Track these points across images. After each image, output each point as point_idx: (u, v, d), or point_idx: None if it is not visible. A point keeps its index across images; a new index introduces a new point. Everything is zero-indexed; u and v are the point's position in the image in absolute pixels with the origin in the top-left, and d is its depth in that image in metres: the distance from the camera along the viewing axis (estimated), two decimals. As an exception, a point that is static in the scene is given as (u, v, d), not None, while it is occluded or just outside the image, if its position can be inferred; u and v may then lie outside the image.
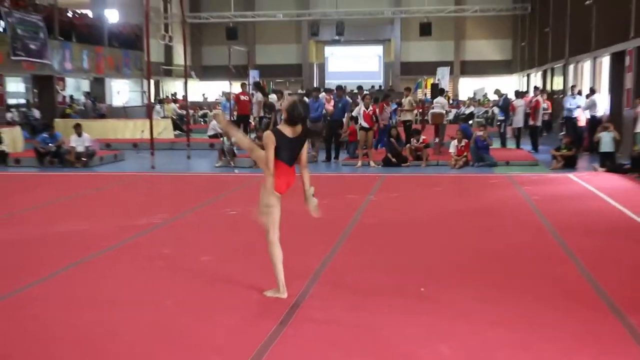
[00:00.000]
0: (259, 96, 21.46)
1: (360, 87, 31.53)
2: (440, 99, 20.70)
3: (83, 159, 17.65)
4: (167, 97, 38.58)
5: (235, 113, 22.65)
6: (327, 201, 11.65)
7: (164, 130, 24.20)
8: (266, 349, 5.04)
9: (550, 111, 25.51)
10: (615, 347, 5.06)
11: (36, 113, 29.84)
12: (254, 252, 8.17)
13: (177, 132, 26.71)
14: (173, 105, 32.71)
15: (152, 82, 22.32)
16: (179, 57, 43.18)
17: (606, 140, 16.19)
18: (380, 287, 6.63)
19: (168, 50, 43.65)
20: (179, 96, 38.73)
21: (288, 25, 48.48)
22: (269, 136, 6.14)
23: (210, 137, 23.78)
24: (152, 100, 25.26)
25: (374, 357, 4.94)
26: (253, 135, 19.10)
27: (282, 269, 6.29)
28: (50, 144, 18.01)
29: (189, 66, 27.82)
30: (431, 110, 19.78)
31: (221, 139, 18.18)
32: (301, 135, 6.23)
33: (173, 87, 44.50)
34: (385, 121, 18.49)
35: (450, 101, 34.99)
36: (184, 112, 25.85)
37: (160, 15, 42.27)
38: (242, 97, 22.56)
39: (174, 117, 29.80)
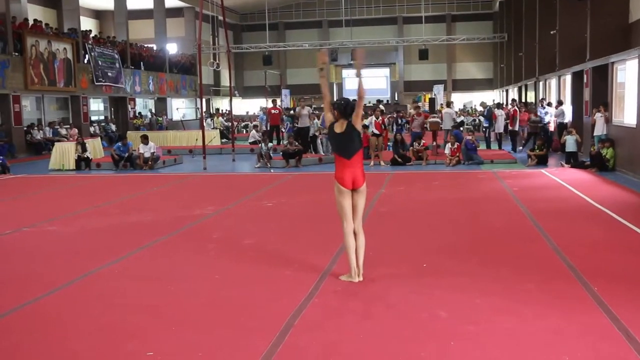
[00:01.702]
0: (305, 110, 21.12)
1: (379, 100, 31.46)
2: (448, 110, 20.66)
3: (149, 162, 17.72)
4: (216, 112, 38.64)
5: (268, 123, 22.65)
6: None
7: (214, 138, 24.25)
8: (298, 315, 5.01)
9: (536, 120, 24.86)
10: (580, 309, 4.99)
11: (112, 127, 30.04)
12: (289, 235, 8.18)
13: (224, 140, 26.78)
14: (221, 119, 32.79)
15: (203, 100, 22.37)
16: (225, 80, 43.46)
17: (570, 142, 16.06)
18: (388, 262, 6.58)
19: (216, 74, 43.83)
20: (225, 111, 38.82)
21: (313, 52, 48.36)
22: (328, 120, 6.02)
23: (250, 143, 23.78)
24: (204, 114, 25.33)
25: (384, 320, 4.89)
26: (285, 142, 19.07)
27: (354, 256, 5.83)
28: (123, 151, 18.10)
29: (233, 87, 27.87)
30: (430, 119, 19.62)
31: (259, 144, 18.15)
32: (346, 130, 5.83)
33: (220, 103, 44.58)
34: (417, 129, 18.30)
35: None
36: (230, 123, 25.89)
37: (210, 46, 42.41)
38: (273, 111, 22.57)
39: (222, 128, 29.88)
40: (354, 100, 5.96)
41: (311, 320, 4.91)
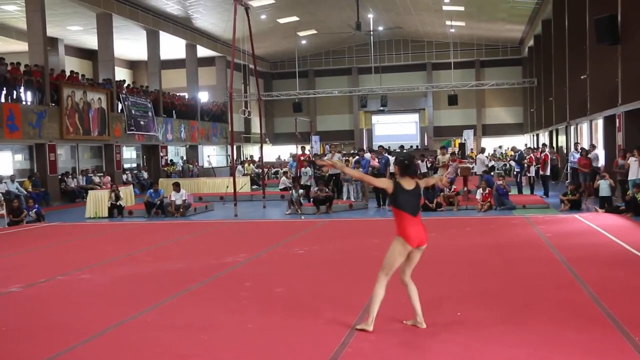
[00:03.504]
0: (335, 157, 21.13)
1: (402, 146, 31.49)
2: (481, 156, 20.65)
3: (181, 210, 17.91)
4: (247, 158, 39.04)
5: (298, 170, 22.77)
6: (377, 240, 11.63)
7: (244, 185, 24.45)
8: (330, 364, 4.97)
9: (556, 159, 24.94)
10: (619, 356, 4.87)
11: (145, 174, 30.50)
12: (320, 284, 8.15)
13: (255, 186, 26.97)
14: (252, 166, 33.09)
15: (234, 147, 22.61)
16: (255, 127, 43.99)
17: (604, 186, 15.87)
18: (422, 311, 6.51)
19: (247, 122, 44.40)
20: (256, 158, 39.19)
21: (342, 99, 48.98)
22: (388, 180, 5.91)
23: (281, 190, 23.92)
24: (235, 161, 25.61)
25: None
26: (316, 188, 19.13)
27: (378, 307, 5.76)
28: (155, 198, 18.32)
29: (263, 134, 28.21)
30: (461, 165, 19.60)
31: (290, 191, 18.24)
32: (416, 188, 5.77)
33: (251, 150, 45.04)
34: (451, 174, 18.30)
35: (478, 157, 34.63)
36: (260, 170, 26.11)
37: (241, 94, 43.10)
38: (302, 158, 22.76)
39: (252, 174, 30.13)
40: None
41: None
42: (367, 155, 20.11)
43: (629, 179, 15.53)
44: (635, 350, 5.09)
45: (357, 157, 19.94)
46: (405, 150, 36.34)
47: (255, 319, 6.48)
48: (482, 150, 22.57)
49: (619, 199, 16.53)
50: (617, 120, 17.61)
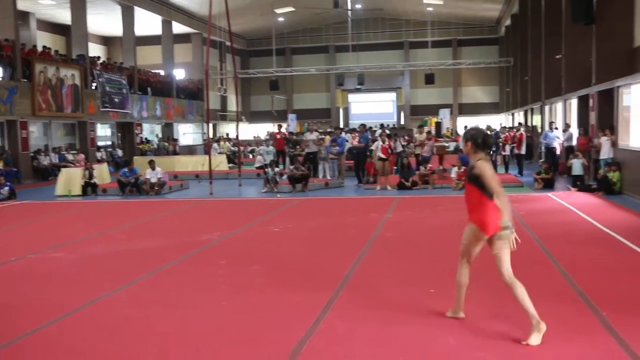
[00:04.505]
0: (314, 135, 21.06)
1: (382, 125, 31.56)
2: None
3: (156, 188, 17.79)
4: (223, 137, 38.83)
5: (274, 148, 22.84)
6: (353, 219, 11.69)
7: (220, 163, 24.33)
8: (304, 342, 5.00)
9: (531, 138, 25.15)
10: (587, 333, 4.96)
11: (119, 152, 30.21)
12: (296, 261, 8.16)
13: (231, 165, 26.86)
14: (227, 144, 32.92)
15: (210, 125, 22.47)
16: (232, 105, 43.76)
17: (577, 165, 16.06)
18: (396, 287, 6.57)
19: (223, 100, 44.14)
20: (232, 136, 39.02)
21: (319, 77, 48.79)
22: (486, 162, 4.95)
23: (257, 168, 23.85)
24: (211, 139, 25.46)
25: (392, 345, 4.86)
26: (292, 166, 19.11)
27: (529, 301, 4.95)
28: (129, 177, 18.17)
29: (240, 112, 28.04)
30: (437, 144, 19.70)
31: (266, 169, 18.21)
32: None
33: (227, 128, 44.81)
34: (427, 153, 18.39)
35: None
36: (236, 148, 26.00)
37: (218, 72, 42.77)
38: (278, 136, 22.72)
39: (228, 153, 30.00)
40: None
41: (317, 347, 4.89)
42: (344, 134, 20.16)
43: (600, 158, 15.73)
44: (602, 324, 5.19)
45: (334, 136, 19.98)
46: (392, 127, 36.25)
47: (230, 296, 6.49)
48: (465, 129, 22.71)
49: (591, 177, 16.74)
50: (591, 100, 17.78)
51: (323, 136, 21.23)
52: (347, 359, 4.64)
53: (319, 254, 8.64)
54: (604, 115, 16.51)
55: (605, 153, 15.49)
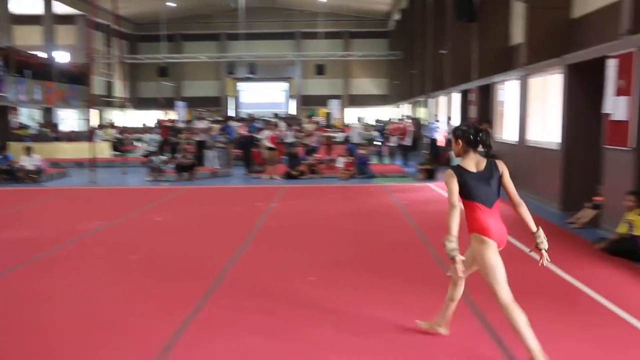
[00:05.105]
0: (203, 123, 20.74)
1: (276, 114, 31.62)
2: (357, 125, 21.10)
3: (32, 175, 16.97)
4: (107, 123, 37.51)
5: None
6: (240, 208, 11.66)
7: (104, 151, 23.52)
8: (181, 332, 4.95)
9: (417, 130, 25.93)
10: (456, 316, 5.20)
11: (-8, 137, 28.51)
12: (177, 251, 8.06)
13: (116, 152, 26.01)
14: (112, 130, 31.85)
15: (94, 111, 21.69)
16: (118, 91, 42.29)
17: (455, 157, 16.72)
18: (277, 276, 6.63)
19: (109, 85, 42.61)
20: (118, 123, 37.79)
21: (209, 65, 48.13)
22: (449, 174, 4.31)
23: (142, 156, 23.23)
24: (94, 126, 24.56)
25: (269, 333, 4.91)
26: (178, 155, 18.77)
27: (531, 333, 4.09)
28: (2, 163, 17.23)
29: (126, 98, 27.22)
30: (325, 134, 20.00)
31: (151, 157, 17.78)
32: (486, 169, 4.30)
33: (113, 115, 43.34)
34: (315, 143, 18.53)
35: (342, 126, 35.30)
36: (121, 136, 25.25)
37: (104, 56, 41.22)
38: (164, 124, 22.33)
39: (113, 140, 29.03)
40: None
41: (195, 336, 4.86)
42: (233, 123, 20.07)
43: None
44: (469, 307, 5.48)
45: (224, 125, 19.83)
46: (284, 117, 36.20)
47: (106, 288, 6.31)
48: (359, 119, 23.11)
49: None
50: (471, 94, 18.59)
51: (212, 125, 21.03)
52: (224, 348, 4.64)
53: (201, 243, 8.56)
54: (483, 109, 17.33)
55: (483, 145, 16.23)
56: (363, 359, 4.41)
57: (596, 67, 9.75)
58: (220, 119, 27.06)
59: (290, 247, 8.24)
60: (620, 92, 8.67)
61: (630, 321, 5.16)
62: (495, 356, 4.46)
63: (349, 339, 4.76)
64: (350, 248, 8.15)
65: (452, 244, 4.27)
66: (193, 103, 44.22)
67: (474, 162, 4.32)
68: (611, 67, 8.92)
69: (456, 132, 4.42)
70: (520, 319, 4.08)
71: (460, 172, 4.29)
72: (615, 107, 8.78)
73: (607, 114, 9.07)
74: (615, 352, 4.53)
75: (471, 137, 4.32)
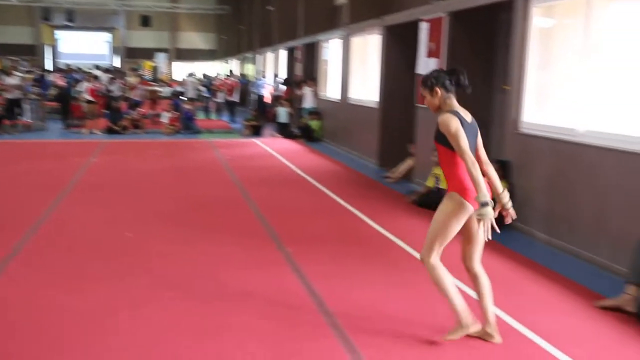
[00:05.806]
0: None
1: (97, 66, 30.05)
2: (192, 79, 20.50)
3: None
4: None
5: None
6: (54, 163, 11.03)
7: None
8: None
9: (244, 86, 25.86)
10: (273, 266, 5.36)
11: None
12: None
13: None
14: None
15: None
16: None
17: (282, 113, 17.01)
18: (92, 232, 6.40)
19: None
20: None
21: (21, 8, 44.31)
22: (454, 121, 3.66)
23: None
24: None
25: (85, 294, 4.74)
26: None
27: (458, 294, 3.88)
28: None
29: None
30: (149, 88, 19.33)
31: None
32: (472, 120, 3.83)
33: None
34: (138, 97, 17.78)
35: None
36: None
37: None
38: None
39: None
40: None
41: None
42: (50, 75, 18.85)
43: (303, 107, 16.83)
44: (285, 259, 5.65)
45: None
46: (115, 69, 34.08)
47: None
48: (191, 74, 22.55)
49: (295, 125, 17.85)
50: (297, 52, 18.84)
51: (25, 75, 19.54)
52: (26, 306, 4.42)
53: (9, 201, 8.01)
54: (308, 67, 17.64)
55: (308, 102, 16.60)
56: (177, 311, 4.39)
57: (411, 30, 10.25)
58: (36, 71, 25.18)
59: (109, 203, 7.96)
60: (431, 54, 9.22)
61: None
62: (307, 303, 4.64)
63: (163, 294, 4.71)
64: (174, 202, 8.04)
65: (490, 207, 3.55)
66: (4, 50, 40.62)
67: (462, 110, 3.79)
68: (423, 30, 9.44)
69: (428, 83, 3.82)
70: (447, 280, 3.81)
71: (460, 118, 3.71)
72: (426, 68, 9.31)
73: (420, 75, 9.62)
74: (412, 291, 4.88)
75: (447, 80, 3.77)
